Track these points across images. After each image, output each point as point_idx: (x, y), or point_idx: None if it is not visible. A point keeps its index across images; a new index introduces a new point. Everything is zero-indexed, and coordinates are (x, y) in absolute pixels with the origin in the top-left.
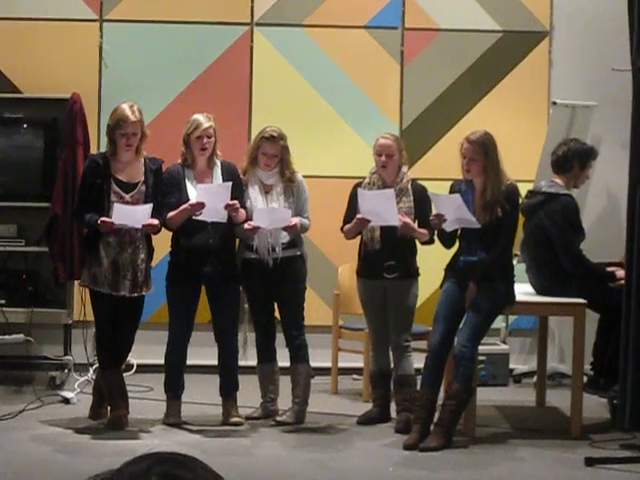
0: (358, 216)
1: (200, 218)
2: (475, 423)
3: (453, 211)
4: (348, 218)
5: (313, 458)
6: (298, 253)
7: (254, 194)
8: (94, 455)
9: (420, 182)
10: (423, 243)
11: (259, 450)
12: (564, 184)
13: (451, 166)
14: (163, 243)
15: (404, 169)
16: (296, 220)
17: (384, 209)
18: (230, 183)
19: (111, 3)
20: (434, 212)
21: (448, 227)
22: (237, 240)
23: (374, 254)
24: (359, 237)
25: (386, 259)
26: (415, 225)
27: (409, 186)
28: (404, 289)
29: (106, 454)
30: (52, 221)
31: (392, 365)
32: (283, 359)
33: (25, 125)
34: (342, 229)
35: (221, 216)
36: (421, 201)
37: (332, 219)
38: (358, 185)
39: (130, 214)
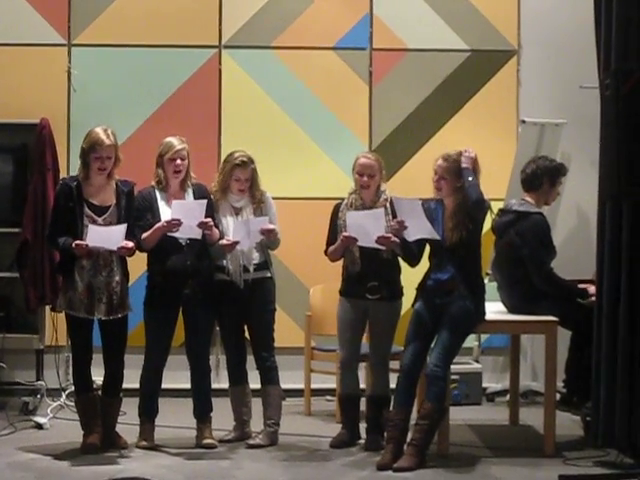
0: (344, 234)
1: (175, 235)
2: (449, 442)
3: (413, 217)
4: (332, 239)
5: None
6: (268, 275)
7: (225, 219)
8: None
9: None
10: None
11: (239, 472)
12: (535, 202)
13: (421, 186)
14: (138, 265)
15: (383, 187)
16: (273, 225)
17: (372, 229)
18: (205, 201)
19: (79, 28)
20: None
21: (409, 236)
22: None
23: (356, 275)
24: (342, 259)
25: (369, 280)
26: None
27: (387, 205)
28: (386, 310)
29: (84, 479)
30: (22, 246)
31: (362, 385)
32: (254, 381)
33: None
34: (326, 252)
35: (196, 233)
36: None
37: (302, 241)
38: (338, 206)
39: (104, 235)
